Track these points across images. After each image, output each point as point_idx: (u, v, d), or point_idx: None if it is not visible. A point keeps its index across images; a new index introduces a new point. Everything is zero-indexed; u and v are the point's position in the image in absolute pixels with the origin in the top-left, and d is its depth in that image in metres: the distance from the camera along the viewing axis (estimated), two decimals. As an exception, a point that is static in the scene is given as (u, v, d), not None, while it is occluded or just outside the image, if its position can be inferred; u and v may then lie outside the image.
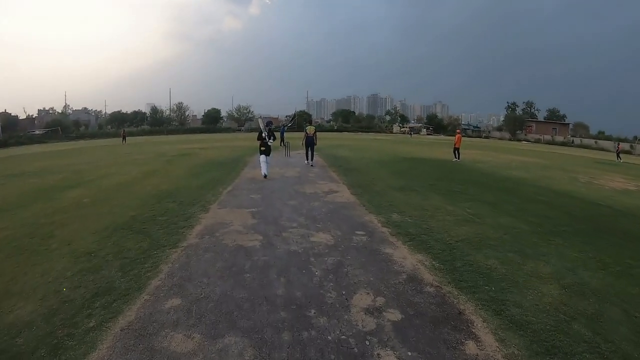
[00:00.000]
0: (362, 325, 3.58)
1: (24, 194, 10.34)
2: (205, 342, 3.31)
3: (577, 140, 60.51)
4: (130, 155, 21.87)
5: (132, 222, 7.04)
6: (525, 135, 70.02)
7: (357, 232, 6.34)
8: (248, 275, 4.61)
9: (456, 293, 4.29)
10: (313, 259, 5.12)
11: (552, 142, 59.38)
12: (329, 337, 3.39)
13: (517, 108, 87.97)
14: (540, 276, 4.81)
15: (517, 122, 74.02)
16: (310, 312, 3.80)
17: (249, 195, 9.36)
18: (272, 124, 13.08)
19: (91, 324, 3.65)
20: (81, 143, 45.69)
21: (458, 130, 22.31)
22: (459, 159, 19.44)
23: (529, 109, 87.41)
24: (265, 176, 11.84)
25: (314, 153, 16.13)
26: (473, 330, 3.57)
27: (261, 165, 12.16)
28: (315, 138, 15.95)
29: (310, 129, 16.08)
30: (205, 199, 9.00)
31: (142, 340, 3.36)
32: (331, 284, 4.40)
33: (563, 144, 58.17)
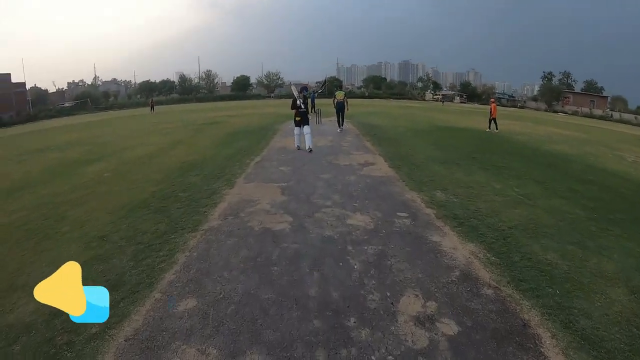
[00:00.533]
0: (412, 341, 2.86)
1: (46, 169, 10.09)
2: (223, 362, 2.68)
3: (615, 115, 56.25)
4: (157, 125, 21.51)
5: (151, 200, 6.50)
6: (562, 106, 66.04)
7: (399, 214, 5.52)
8: (276, 268, 3.92)
9: (517, 297, 3.49)
10: (351, 248, 4.38)
11: (589, 115, 55.01)
12: (372, 358, 2.70)
13: (553, 78, 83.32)
14: (606, 276, 3.93)
15: (554, 93, 70.01)
16: (349, 321, 3.08)
17: (279, 168, 8.64)
18: (307, 90, 11.63)
19: (94, 330, 3.10)
20: (110, 114, 46.13)
21: (492, 99, 20.47)
22: (497, 129, 17.96)
23: (565, 79, 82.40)
24: (309, 150, 10.42)
25: (344, 119, 15.96)
26: (542, 349, 2.82)
27: (295, 138, 10.95)
28: (346, 103, 15.59)
29: (339, 95, 15.71)
30: (232, 171, 8.37)
31: (148, 356, 2.76)
32: (373, 282, 3.66)
33: (601, 117, 53.68)
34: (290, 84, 13.41)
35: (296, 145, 10.87)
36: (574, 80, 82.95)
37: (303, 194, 6.52)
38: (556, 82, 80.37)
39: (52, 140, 17.85)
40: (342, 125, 15.65)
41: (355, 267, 3.94)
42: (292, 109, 10.85)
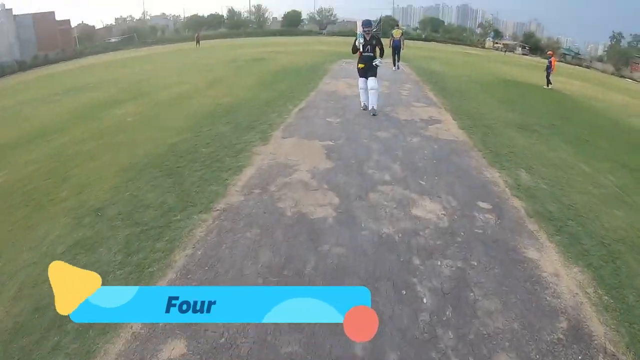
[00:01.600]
0: None
1: (72, 111, 9.39)
2: None
3: None
4: (200, 60, 20.30)
5: (167, 156, 5.39)
6: (631, 72, 58.19)
7: (480, 204, 4.01)
8: (309, 293, 2.66)
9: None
10: (418, 262, 2.99)
11: None
12: None
13: (622, 39, 73.70)
14: None
15: (623, 56, 62.24)
16: None
17: (325, 119, 7.17)
18: (370, 24, 7.84)
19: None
20: (156, 49, 45.44)
21: (550, 52, 17.33)
22: (551, 85, 15.54)
23: (636, 43, 72.49)
24: (373, 112, 7.50)
25: (400, 59, 15.68)
26: None
27: (360, 93, 7.81)
28: (403, 42, 15.52)
29: (396, 33, 15.49)
30: (269, 120, 7.05)
31: None
32: (450, 336, 2.33)
33: None
34: (356, 22, 8.02)
35: (362, 105, 7.80)
36: None
37: (354, 159, 5.09)
38: (625, 45, 72.09)
39: (90, 77, 17.15)
40: (397, 63, 15.27)
41: (425, 301, 2.59)
42: (353, 52, 7.65)
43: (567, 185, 4.88)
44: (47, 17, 56.29)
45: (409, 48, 30.65)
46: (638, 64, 63.10)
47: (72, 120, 8.36)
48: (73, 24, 65.43)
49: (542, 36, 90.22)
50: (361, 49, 7.35)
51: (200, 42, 38.23)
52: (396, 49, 15.11)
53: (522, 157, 5.78)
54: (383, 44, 7.58)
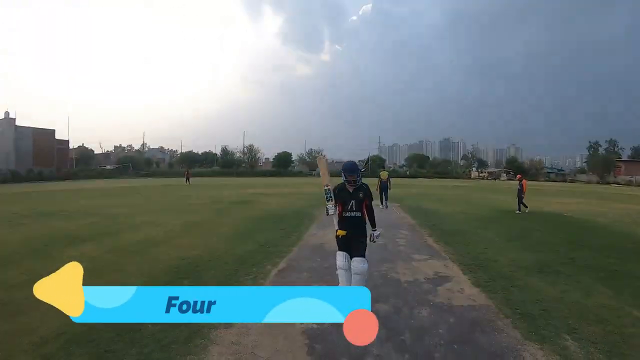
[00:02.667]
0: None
1: (27, 242, 8.64)
2: None
3: None
4: (183, 200, 19.69)
5: (93, 332, 3.93)
6: (615, 177, 62.56)
7: None
8: None
9: None
10: None
11: None
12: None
13: (599, 148, 79.45)
14: None
15: (605, 163, 66.54)
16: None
17: (311, 283, 5.87)
18: (357, 170, 4.80)
19: None
20: (148, 181, 46.08)
21: (519, 176, 17.74)
22: (526, 208, 15.37)
23: (612, 147, 78.34)
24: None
25: (388, 198, 16.52)
26: None
27: (339, 275, 4.84)
28: (389, 183, 16.49)
29: (383, 174, 16.45)
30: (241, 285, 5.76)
31: None
32: None
33: None
34: (320, 156, 5.48)
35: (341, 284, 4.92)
36: (621, 148, 78.90)
37: (347, 356, 3.68)
38: (602, 152, 76.49)
39: (69, 204, 17.03)
40: (386, 201, 16.15)
41: None
42: (328, 213, 4.86)
43: (624, 345, 3.84)
44: (47, 134, 58.34)
45: (400, 187, 31.08)
46: (619, 167, 65.37)
47: (22, 254, 7.56)
48: (73, 145, 67.62)
49: (524, 159, 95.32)
50: (340, 209, 4.78)
51: (190, 179, 38.56)
52: (384, 190, 16.01)
53: (558, 315, 4.63)
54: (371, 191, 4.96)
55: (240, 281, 5.84)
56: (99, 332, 3.97)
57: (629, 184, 54.48)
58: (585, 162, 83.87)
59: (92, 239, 8.87)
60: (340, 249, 4.82)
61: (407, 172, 78.43)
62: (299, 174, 75.48)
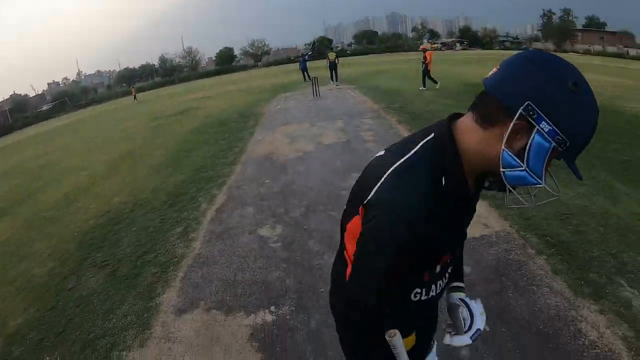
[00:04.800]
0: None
1: None
2: None
3: (632, 51, 50.15)
4: (117, 125, 17.50)
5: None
6: (572, 45, 60.91)
7: None
8: None
9: None
10: None
11: (603, 54, 49.39)
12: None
13: (553, 16, 76.90)
14: None
15: (562, 32, 65.22)
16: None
17: (257, 230, 4.44)
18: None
19: None
20: (90, 110, 42.26)
21: (423, 47, 15.04)
22: (435, 84, 13.30)
23: (566, 16, 75.79)
24: None
25: (337, 73, 17.59)
26: None
27: None
28: (337, 62, 17.48)
29: (331, 55, 17.55)
30: (165, 249, 4.29)
31: None
32: None
33: (618, 55, 46.99)
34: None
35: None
36: (575, 17, 77.25)
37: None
38: (556, 21, 75.03)
39: None
40: (336, 79, 17.38)
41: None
42: None
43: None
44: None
45: (354, 66, 29.13)
46: (576, 36, 65.32)
47: None
48: (4, 97, 60.78)
49: (477, 28, 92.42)
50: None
51: (137, 95, 35.43)
52: (333, 68, 17.31)
53: (588, 236, 3.56)
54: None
55: (169, 241, 4.52)
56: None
57: (586, 52, 51.97)
58: (539, 30, 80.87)
59: (9, 212, 7.28)
60: None
61: (350, 51, 75.70)
62: (245, 67, 71.28)
